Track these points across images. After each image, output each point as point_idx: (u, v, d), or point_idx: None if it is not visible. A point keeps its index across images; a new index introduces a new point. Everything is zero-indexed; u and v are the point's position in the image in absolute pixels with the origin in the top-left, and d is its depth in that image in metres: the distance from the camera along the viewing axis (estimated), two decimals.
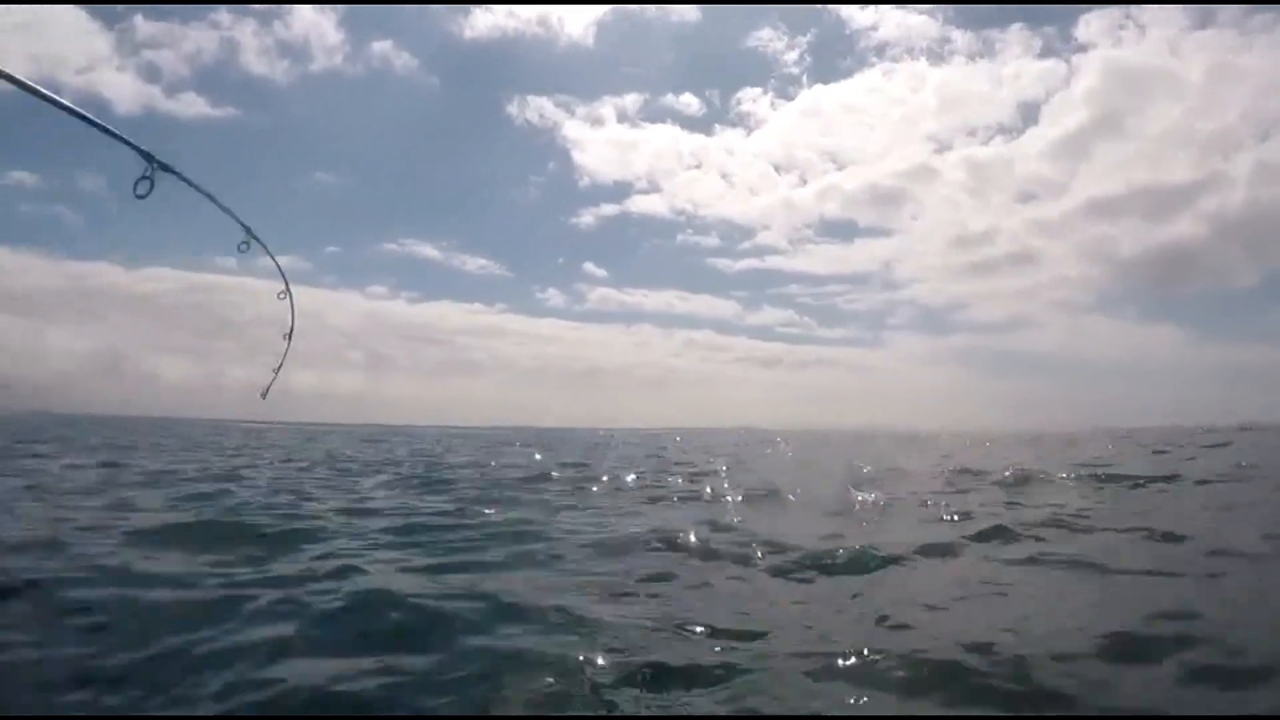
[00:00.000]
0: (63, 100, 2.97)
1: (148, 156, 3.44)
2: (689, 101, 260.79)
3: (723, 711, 3.40)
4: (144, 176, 3.45)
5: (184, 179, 3.65)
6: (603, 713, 3.63)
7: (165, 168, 3.49)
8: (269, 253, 4.95)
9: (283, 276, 5.27)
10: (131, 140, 3.37)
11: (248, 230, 4.55)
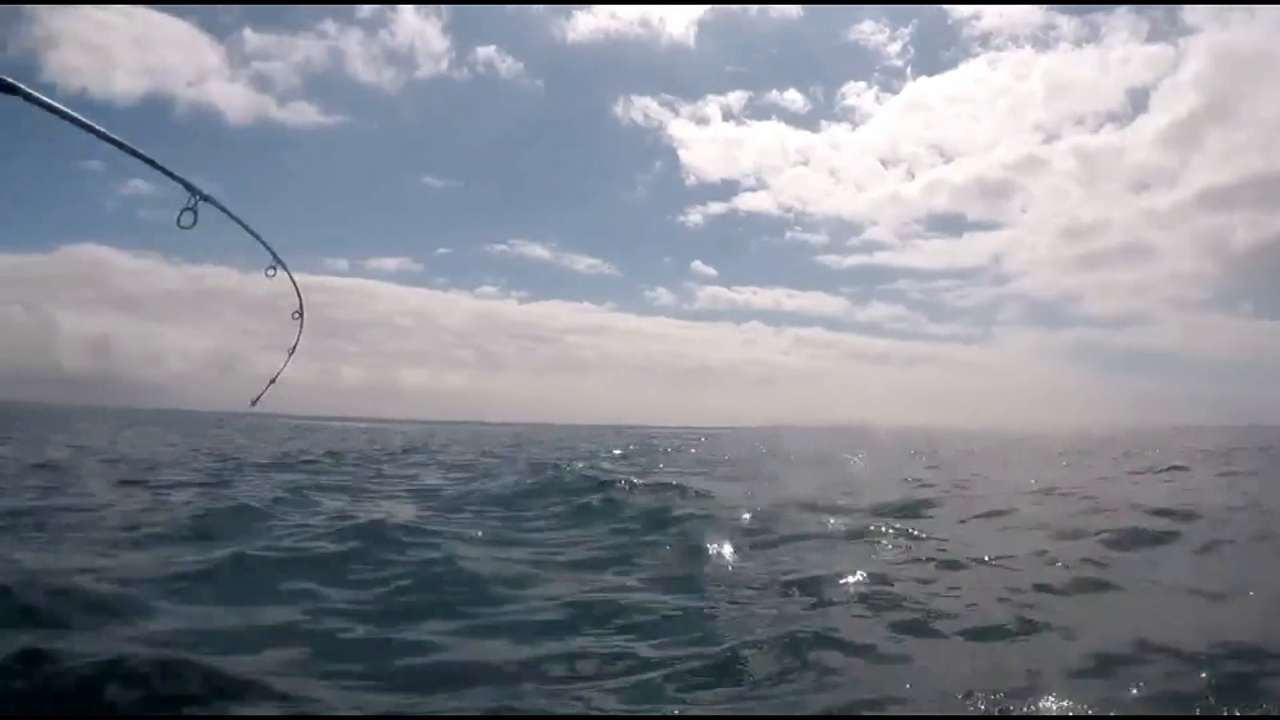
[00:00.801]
0: (102, 129, 3.10)
1: (190, 188, 3.63)
2: (793, 98, 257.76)
3: None
4: (188, 208, 3.64)
5: (224, 210, 3.84)
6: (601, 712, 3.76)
7: (207, 199, 3.67)
8: (292, 278, 5.31)
9: (299, 297, 5.55)
10: (174, 172, 3.55)
11: (275, 257, 4.84)
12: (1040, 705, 3.76)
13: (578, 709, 3.83)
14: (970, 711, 3.76)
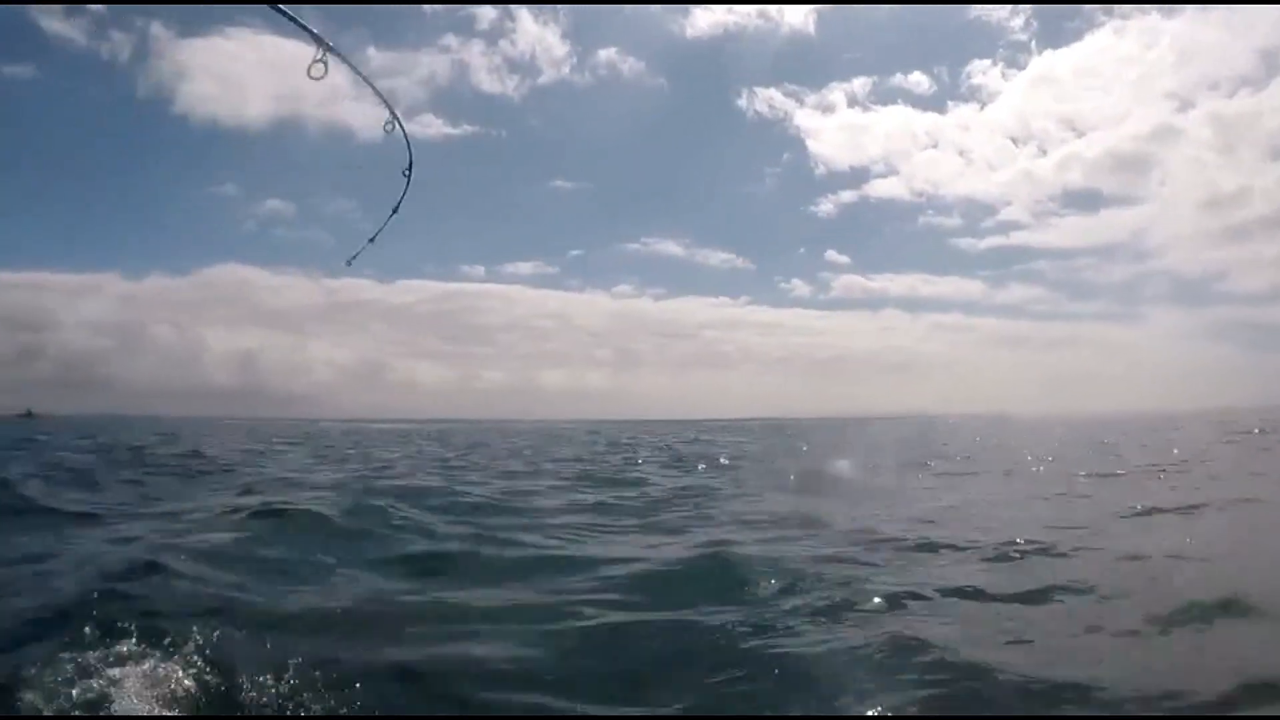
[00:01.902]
0: None
1: (318, 40, 3.92)
2: (918, 80, 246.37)
3: None
4: (317, 59, 3.93)
5: (348, 63, 4.12)
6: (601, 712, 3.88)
7: (333, 50, 3.96)
8: (405, 133, 5.25)
9: (409, 153, 5.38)
10: (302, 22, 3.83)
11: (391, 111, 4.97)
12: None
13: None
14: None
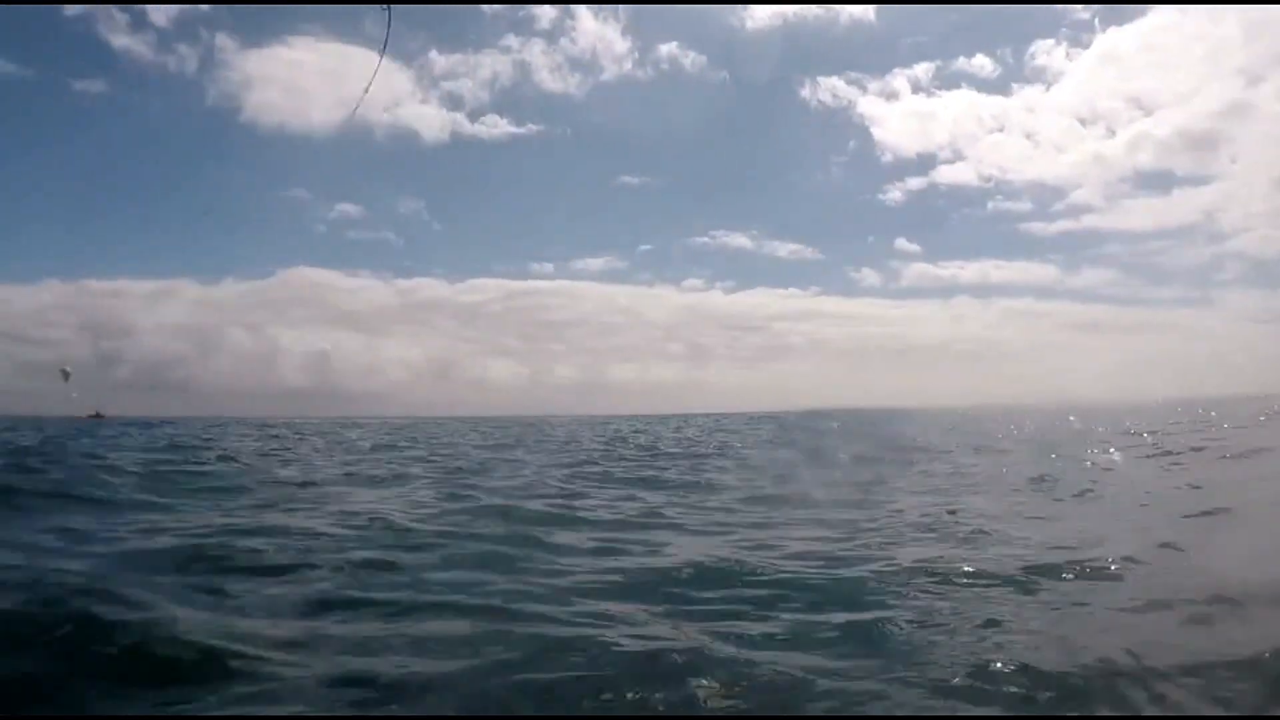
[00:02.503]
0: None
1: None
2: (981, 63, 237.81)
3: None
4: None
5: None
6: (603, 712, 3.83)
7: None
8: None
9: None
10: None
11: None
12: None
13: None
14: None
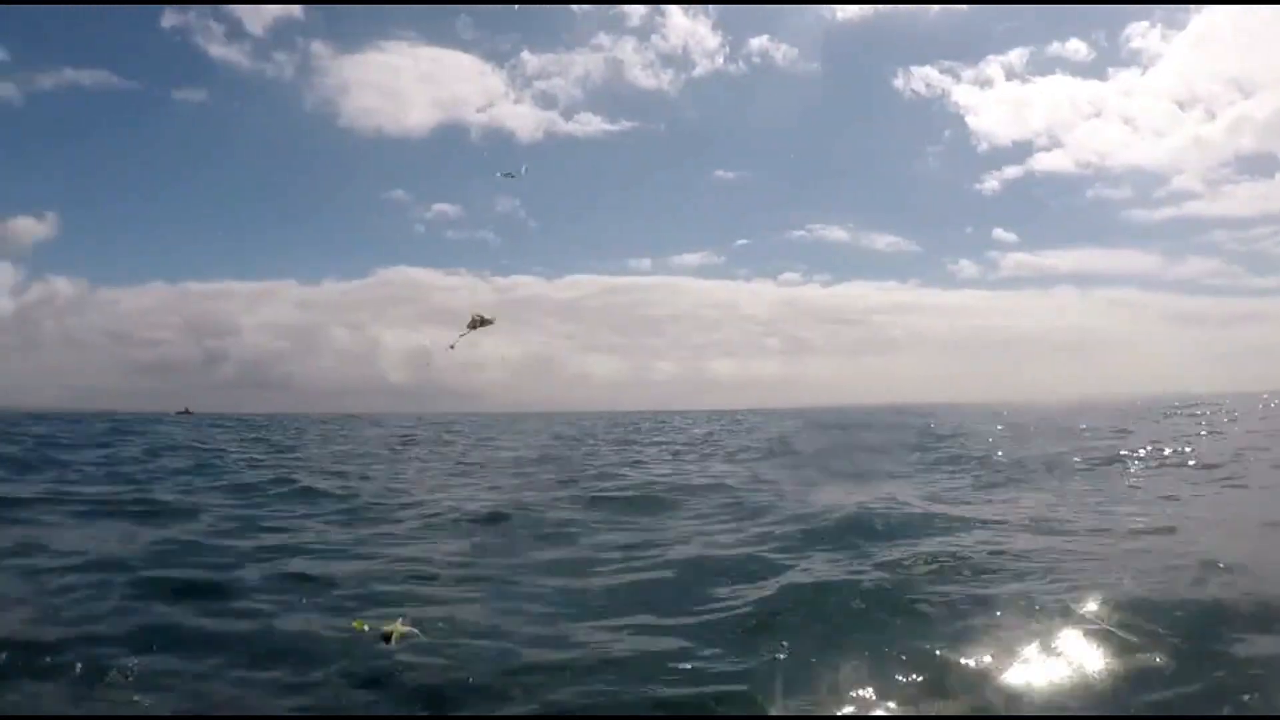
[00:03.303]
0: None
1: None
2: (1076, 47, 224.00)
3: None
4: None
5: None
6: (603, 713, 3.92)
7: None
8: None
9: None
10: None
11: None
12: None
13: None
14: None
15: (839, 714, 3.89)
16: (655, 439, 33.01)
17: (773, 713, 4.00)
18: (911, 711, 3.91)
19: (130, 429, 38.98)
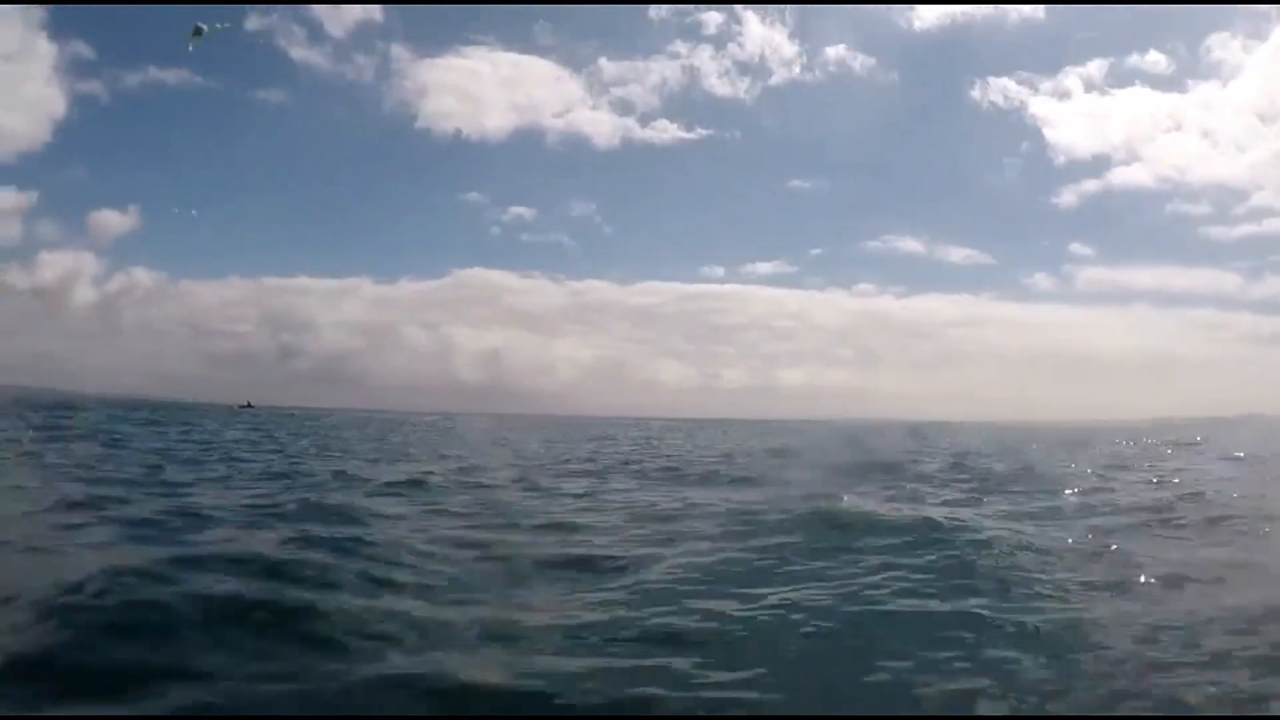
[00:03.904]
0: None
1: None
2: (1155, 59, 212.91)
3: None
4: None
5: None
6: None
7: None
8: None
9: None
10: None
11: None
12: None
13: None
14: None
15: (838, 714, 3.98)
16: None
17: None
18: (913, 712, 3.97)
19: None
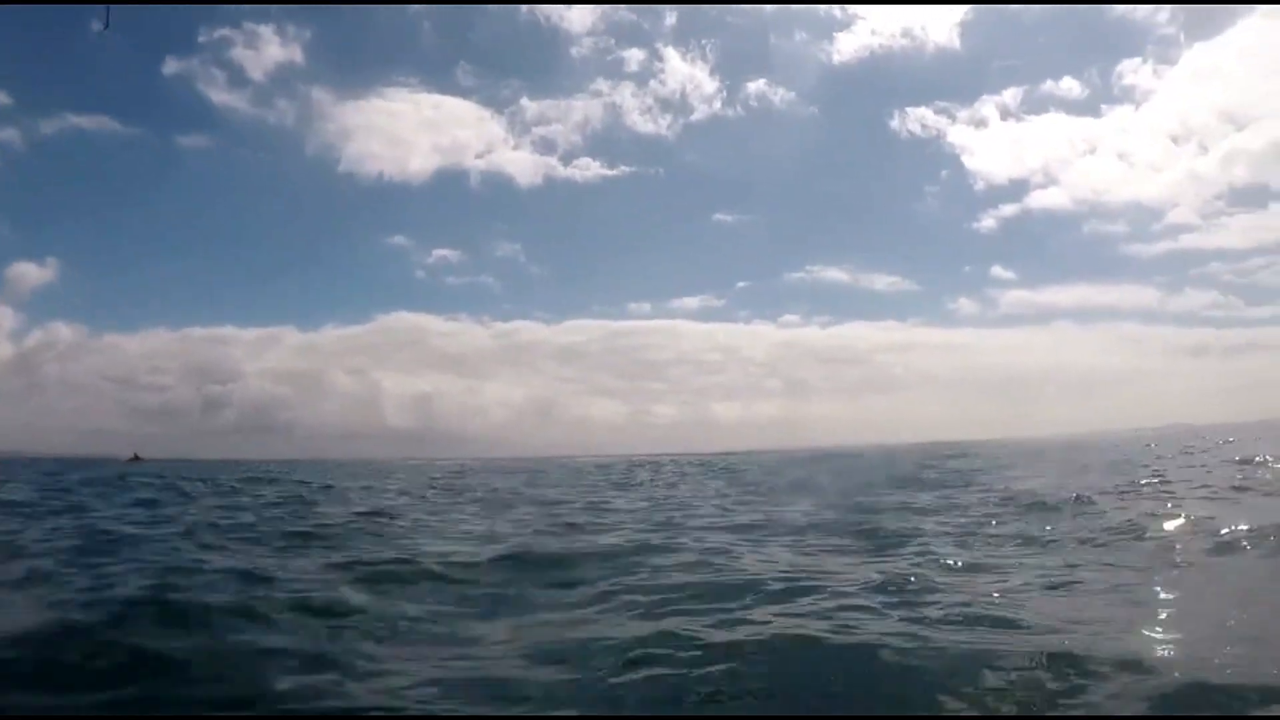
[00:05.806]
0: None
1: None
2: (1069, 85, 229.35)
3: None
4: None
5: None
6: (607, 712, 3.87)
7: None
8: None
9: None
10: None
11: None
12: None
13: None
14: None
15: (838, 715, 3.88)
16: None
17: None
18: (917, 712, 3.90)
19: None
